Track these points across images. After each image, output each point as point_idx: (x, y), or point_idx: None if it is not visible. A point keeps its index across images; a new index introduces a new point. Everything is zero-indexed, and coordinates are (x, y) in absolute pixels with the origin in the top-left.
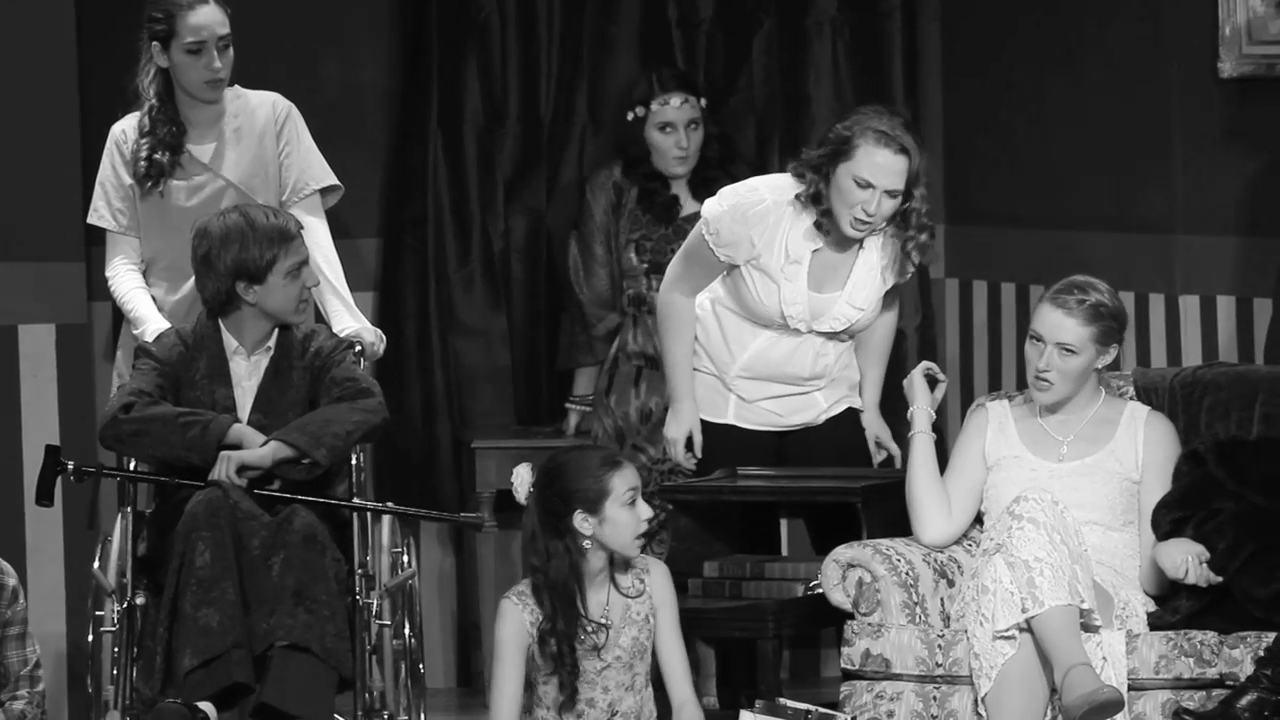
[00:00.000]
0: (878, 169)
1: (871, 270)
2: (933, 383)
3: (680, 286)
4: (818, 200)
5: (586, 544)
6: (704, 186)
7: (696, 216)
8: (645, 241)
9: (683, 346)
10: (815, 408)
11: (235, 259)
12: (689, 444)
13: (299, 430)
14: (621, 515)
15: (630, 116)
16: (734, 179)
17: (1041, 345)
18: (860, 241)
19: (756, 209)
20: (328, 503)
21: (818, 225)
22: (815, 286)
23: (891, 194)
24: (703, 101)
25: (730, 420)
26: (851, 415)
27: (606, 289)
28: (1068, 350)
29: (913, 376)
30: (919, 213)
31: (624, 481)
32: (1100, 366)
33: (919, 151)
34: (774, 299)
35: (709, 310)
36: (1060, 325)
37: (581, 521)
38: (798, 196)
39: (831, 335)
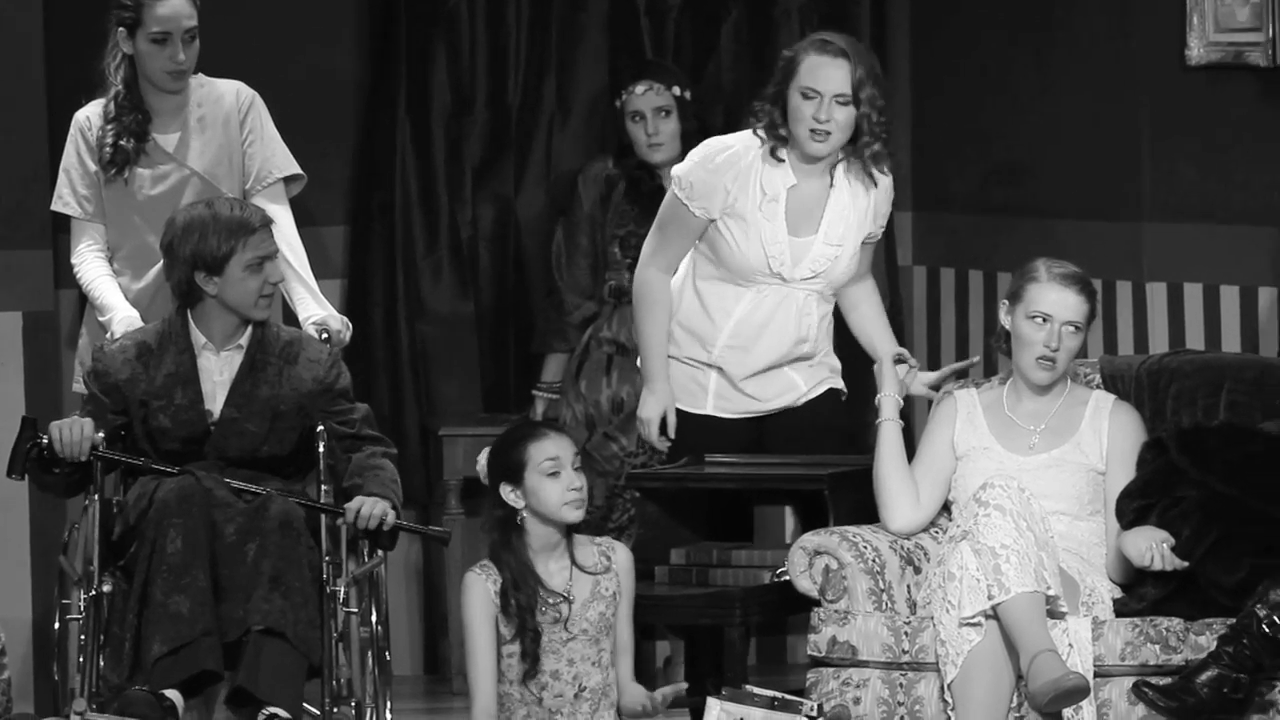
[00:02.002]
0: (820, 76)
1: (844, 207)
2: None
3: (657, 260)
4: (774, 129)
5: (520, 516)
6: None
7: None
8: (631, 238)
9: (658, 326)
10: (795, 390)
11: (194, 249)
12: (663, 426)
13: (386, 488)
14: (543, 485)
15: (618, 106)
16: None
17: (1047, 325)
18: (830, 180)
19: (725, 154)
20: (302, 504)
21: (773, 152)
22: (792, 231)
23: (840, 99)
24: (676, 90)
25: (709, 411)
26: (832, 396)
27: (586, 278)
28: (1076, 327)
29: (882, 362)
30: (869, 119)
31: (541, 451)
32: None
33: (863, 56)
34: (756, 245)
35: (683, 289)
36: (1068, 304)
37: (509, 493)
38: (755, 132)
39: (812, 280)
